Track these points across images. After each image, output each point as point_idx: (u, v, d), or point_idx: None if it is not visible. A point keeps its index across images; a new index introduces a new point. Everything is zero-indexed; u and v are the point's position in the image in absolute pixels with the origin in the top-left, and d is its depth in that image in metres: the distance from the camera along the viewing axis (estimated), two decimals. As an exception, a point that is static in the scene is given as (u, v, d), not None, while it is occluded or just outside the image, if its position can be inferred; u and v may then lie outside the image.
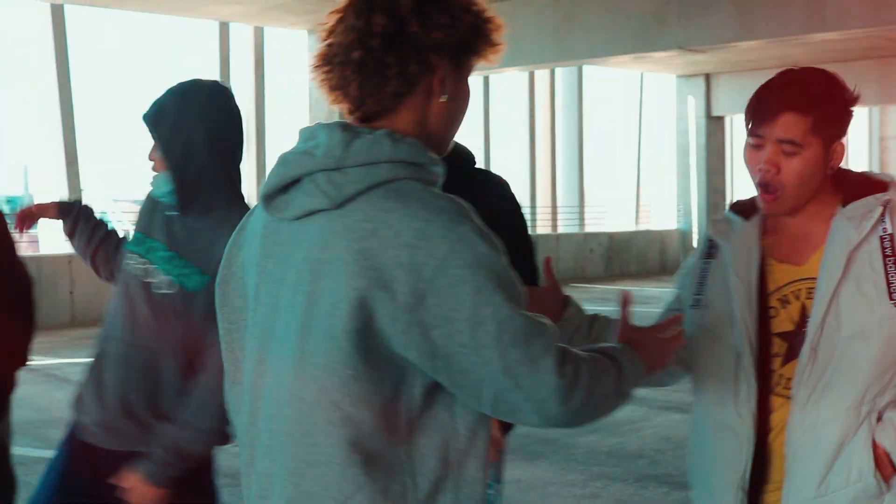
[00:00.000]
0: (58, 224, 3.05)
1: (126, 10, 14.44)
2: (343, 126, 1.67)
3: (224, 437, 2.52)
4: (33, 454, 6.79)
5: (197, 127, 2.51)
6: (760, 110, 2.10)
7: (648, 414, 7.93)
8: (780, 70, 2.17)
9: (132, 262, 2.63)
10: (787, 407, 2.14)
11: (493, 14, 1.76)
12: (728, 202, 23.35)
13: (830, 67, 2.22)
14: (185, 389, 2.51)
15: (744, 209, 2.27)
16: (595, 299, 16.37)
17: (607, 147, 24.48)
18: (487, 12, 1.75)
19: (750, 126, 2.13)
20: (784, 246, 2.21)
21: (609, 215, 22.91)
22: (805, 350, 2.10)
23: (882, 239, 2.11)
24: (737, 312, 2.16)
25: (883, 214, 2.11)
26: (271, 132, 16.34)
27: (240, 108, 2.63)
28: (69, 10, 14.57)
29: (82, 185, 15.09)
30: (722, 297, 2.20)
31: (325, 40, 1.71)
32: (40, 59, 14.71)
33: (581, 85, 21.11)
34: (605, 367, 1.68)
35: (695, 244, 21.88)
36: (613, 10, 12.90)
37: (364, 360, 1.60)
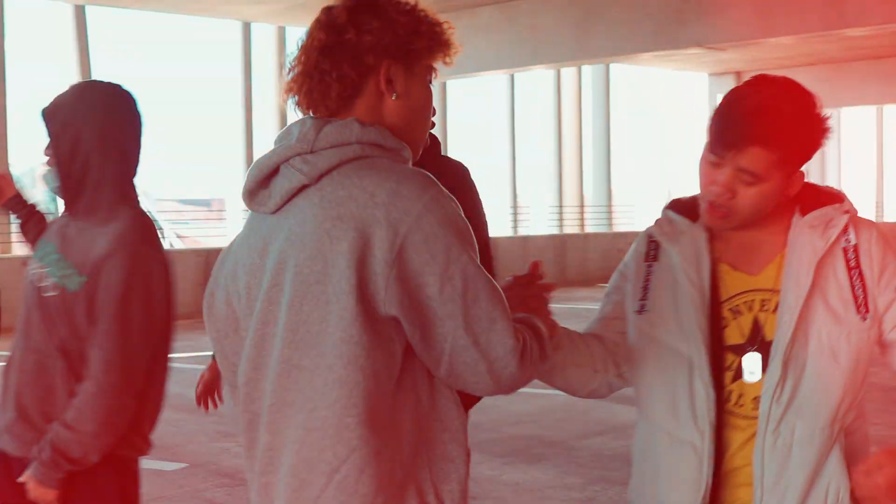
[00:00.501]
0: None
1: (148, 11, 14.50)
2: (313, 117, 1.80)
3: (115, 440, 2.50)
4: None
5: (86, 126, 2.50)
6: (725, 135, 1.95)
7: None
8: (755, 75, 2.04)
9: (31, 266, 2.64)
10: (744, 426, 2.02)
11: (438, 17, 1.86)
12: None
13: (861, 64, 2.11)
14: (74, 392, 2.50)
15: (687, 209, 2.14)
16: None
17: (636, 146, 24.32)
18: (431, 15, 1.85)
19: (710, 143, 1.98)
20: (735, 252, 2.09)
21: (638, 214, 22.77)
22: (775, 366, 1.97)
23: (846, 250, 2.02)
24: (689, 320, 2.03)
25: (847, 225, 2.03)
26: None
27: (141, 112, 2.61)
28: (91, 10, 14.71)
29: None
30: (670, 303, 2.06)
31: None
32: (63, 61, 14.87)
33: (608, 83, 20.99)
34: (536, 333, 1.79)
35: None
36: (634, 7, 12.79)
37: (353, 322, 1.67)
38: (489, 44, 14.36)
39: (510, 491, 5.77)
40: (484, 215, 3.13)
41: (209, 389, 3.32)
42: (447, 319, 1.67)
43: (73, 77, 14.59)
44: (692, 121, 23.00)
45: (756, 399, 1.99)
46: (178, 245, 18.94)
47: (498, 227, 18.42)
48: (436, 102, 2.17)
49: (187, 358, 10.89)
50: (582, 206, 20.71)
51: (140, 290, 2.48)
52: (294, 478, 1.74)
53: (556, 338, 1.99)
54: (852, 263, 2.01)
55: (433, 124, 2.36)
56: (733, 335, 2.03)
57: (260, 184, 1.80)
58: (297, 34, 2.11)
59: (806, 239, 2.02)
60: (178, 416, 7.82)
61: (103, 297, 2.47)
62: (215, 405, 3.31)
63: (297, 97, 1.83)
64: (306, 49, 1.82)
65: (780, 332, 1.97)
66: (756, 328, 2.02)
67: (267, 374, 1.78)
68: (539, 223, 20.90)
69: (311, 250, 1.70)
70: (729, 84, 21.51)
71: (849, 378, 1.97)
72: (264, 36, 16.43)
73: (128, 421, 2.53)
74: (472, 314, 1.67)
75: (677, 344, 2.04)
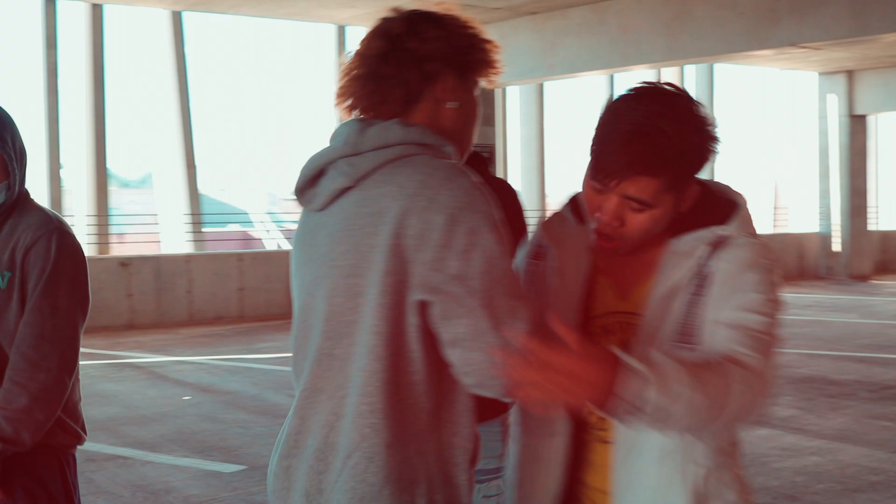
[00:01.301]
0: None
1: (243, 16, 14.73)
2: (359, 119, 1.89)
3: (49, 419, 2.51)
4: (105, 451, 7.00)
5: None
6: (606, 163, 1.82)
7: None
8: (643, 86, 1.86)
9: None
10: (602, 448, 1.94)
11: (490, 37, 1.96)
12: (870, 204, 22.27)
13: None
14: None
15: (580, 207, 2.01)
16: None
17: (743, 147, 23.75)
18: (484, 33, 1.96)
19: (591, 168, 1.86)
20: (616, 267, 1.98)
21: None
22: None
23: (698, 275, 1.87)
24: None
25: (711, 254, 1.88)
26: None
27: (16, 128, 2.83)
28: (187, 16, 14.97)
29: (199, 188, 15.51)
30: (544, 308, 1.94)
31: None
32: (160, 66, 15.20)
33: (712, 82, 20.54)
34: None
35: (835, 248, 21.15)
36: (725, 6, 12.47)
37: (380, 312, 1.75)
38: (581, 45, 14.20)
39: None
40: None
41: None
42: (469, 296, 1.71)
43: (170, 82, 14.98)
44: (801, 121, 22.34)
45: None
46: (286, 246, 19.23)
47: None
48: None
49: (271, 360, 11.08)
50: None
51: (68, 269, 2.55)
52: (318, 461, 1.82)
53: None
54: (695, 291, 1.86)
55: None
56: None
57: (308, 183, 1.89)
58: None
59: (671, 265, 1.90)
60: (247, 418, 7.96)
61: (32, 279, 2.53)
62: None
63: (350, 100, 1.91)
64: (363, 55, 1.90)
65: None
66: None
67: (306, 364, 1.88)
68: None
69: (347, 244, 1.79)
70: (840, 83, 20.85)
71: None
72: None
73: (62, 399, 2.54)
74: (495, 293, 1.72)
75: None
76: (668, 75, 19.79)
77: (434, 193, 1.73)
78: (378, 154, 1.81)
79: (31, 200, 2.71)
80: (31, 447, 2.53)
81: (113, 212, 16.47)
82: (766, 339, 1.79)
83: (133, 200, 32.24)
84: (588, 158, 1.88)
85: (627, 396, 1.61)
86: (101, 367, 10.62)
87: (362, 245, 1.76)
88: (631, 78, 19.12)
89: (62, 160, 14.12)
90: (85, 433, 2.70)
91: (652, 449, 1.87)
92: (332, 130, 1.92)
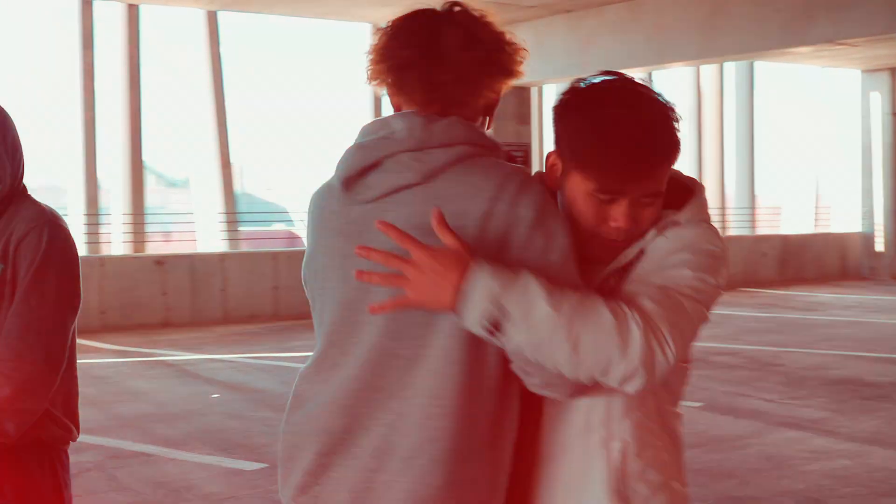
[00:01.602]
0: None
1: (277, 15, 14.79)
2: (417, 114, 1.85)
3: (35, 411, 2.50)
4: (130, 448, 7.04)
5: None
6: (627, 170, 1.78)
7: (762, 429, 7.50)
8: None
9: None
10: None
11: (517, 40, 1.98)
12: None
13: None
14: None
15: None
16: (762, 305, 15.76)
17: (784, 145, 23.48)
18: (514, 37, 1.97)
19: (601, 182, 1.80)
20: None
21: (785, 217, 21.97)
22: None
23: (639, 256, 1.87)
24: None
25: (656, 236, 1.87)
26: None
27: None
28: (222, 16, 15.01)
29: (236, 187, 15.60)
30: None
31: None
32: (196, 66, 15.27)
33: (752, 79, 20.31)
34: None
35: (878, 248, 20.82)
36: (761, 3, 12.33)
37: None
38: (615, 42, 14.13)
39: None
40: None
41: None
42: (548, 268, 1.74)
43: (205, 81, 15.07)
44: (843, 120, 22.03)
45: None
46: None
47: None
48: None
49: (303, 358, 11.09)
50: (723, 207, 20.11)
51: (57, 262, 2.53)
52: (373, 459, 1.80)
53: None
54: (626, 268, 1.86)
55: None
56: None
57: (360, 173, 1.84)
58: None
59: (627, 251, 1.89)
60: (274, 416, 7.94)
61: (22, 270, 2.52)
62: None
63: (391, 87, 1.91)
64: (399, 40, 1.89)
65: None
66: None
67: (352, 360, 1.84)
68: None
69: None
70: (883, 80, 20.54)
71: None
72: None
73: (48, 391, 2.51)
74: (572, 271, 1.77)
75: None
76: (708, 73, 19.60)
77: (511, 197, 1.76)
78: (445, 152, 1.80)
79: (28, 196, 2.69)
80: (21, 442, 2.51)
81: (156, 210, 16.54)
82: (679, 305, 1.74)
83: (178, 199, 32.56)
84: (577, 171, 1.83)
85: (476, 296, 1.64)
86: (133, 364, 10.69)
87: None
88: (667, 76, 19.02)
89: (98, 160, 14.22)
90: (78, 429, 2.68)
91: (578, 421, 1.86)
92: (371, 124, 1.90)
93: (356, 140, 1.90)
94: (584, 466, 1.86)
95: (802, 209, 21.97)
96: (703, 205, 1.92)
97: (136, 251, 14.45)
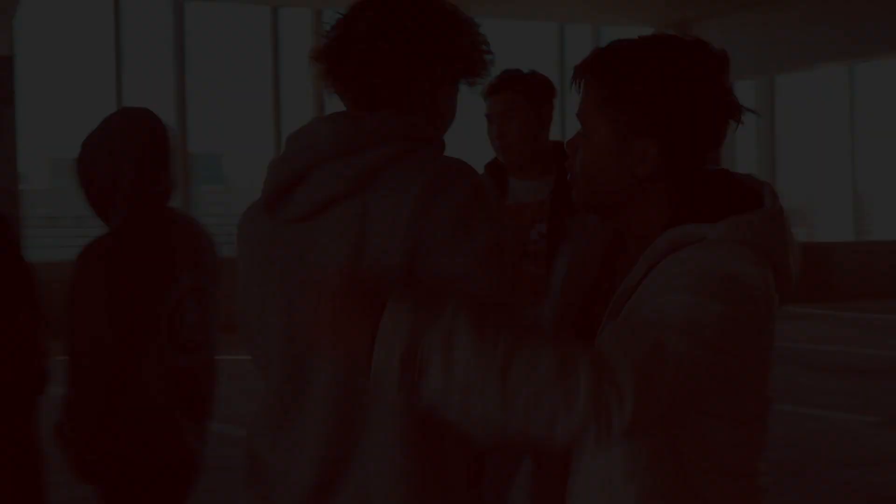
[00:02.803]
0: None
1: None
2: (344, 114, 1.76)
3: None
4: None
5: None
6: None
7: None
8: None
9: None
10: None
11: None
12: None
13: None
14: None
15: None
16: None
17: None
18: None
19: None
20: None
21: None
22: None
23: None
24: None
25: (672, 251, 1.59)
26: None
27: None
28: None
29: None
30: None
31: None
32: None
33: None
34: None
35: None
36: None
37: None
38: (808, 36, 13.91)
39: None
40: None
41: None
42: (465, 277, 1.63)
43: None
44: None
45: None
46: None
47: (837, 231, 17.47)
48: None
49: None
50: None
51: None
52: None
53: None
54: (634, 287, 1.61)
55: None
56: None
57: (287, 188, 1.73)
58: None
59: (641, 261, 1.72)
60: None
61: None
62: None
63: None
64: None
65: None
66: None
67: (306, 388, 1.74)
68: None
69: (369, 259, 1.65)
70: None
71: None
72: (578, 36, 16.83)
73: None
74: (501, 278, 1.67)
75: None
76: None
77: (447, 191, 1.67)
78: (377, 152, 1.69)
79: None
80: None
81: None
82: (658, 345, 1.43)
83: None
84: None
85: (392, 340, 1.43)
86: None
87: (389, 251, 1.64)
88: (873, 69, 17.72)
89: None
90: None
91: (592, 476, 1.64)
92: (294, 134, 1.77)
93: (281, 151, 1.78)
94: None
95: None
96: (758, 222, 1.56)
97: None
